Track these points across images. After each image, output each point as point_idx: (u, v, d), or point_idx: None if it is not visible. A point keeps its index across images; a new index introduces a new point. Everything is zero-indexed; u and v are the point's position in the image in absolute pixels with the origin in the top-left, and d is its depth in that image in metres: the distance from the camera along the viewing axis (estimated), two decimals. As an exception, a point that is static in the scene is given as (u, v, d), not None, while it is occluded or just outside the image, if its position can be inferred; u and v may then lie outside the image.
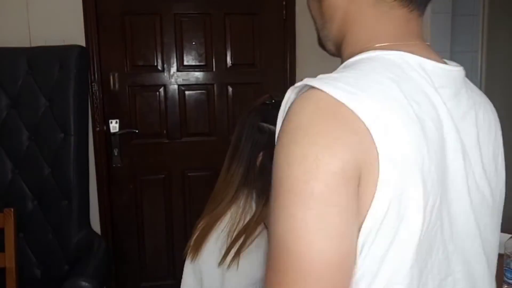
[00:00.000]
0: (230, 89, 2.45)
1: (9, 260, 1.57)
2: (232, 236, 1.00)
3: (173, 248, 2.48)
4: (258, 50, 2.44)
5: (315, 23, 0.70)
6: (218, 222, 1.02)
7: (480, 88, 2.63)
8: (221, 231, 1.01)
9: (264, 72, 2.45)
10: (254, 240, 1.02)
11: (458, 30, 2.41)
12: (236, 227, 1.02)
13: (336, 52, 0.68)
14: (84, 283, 1.52)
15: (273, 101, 1.08)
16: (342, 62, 0.63)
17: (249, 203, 1.05)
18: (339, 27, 0.63)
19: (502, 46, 2.58)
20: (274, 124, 1.03)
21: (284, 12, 2.40)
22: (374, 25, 0.59)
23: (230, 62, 2.43)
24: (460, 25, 2.42)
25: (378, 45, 0.57)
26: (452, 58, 2.16)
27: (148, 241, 2.48)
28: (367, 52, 0.56)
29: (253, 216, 1.03)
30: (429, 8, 1.99)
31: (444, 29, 2.33)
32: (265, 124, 1.06)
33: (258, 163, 1.05)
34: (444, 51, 2.31)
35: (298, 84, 0.53)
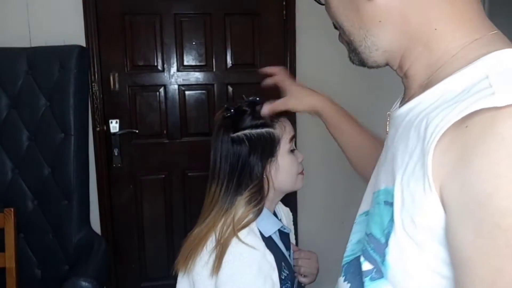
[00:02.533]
0: (230, 89, 2.45)
1: (9, 260, 1.57)
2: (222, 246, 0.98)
3: (173, 248, 2.48)
4: (258, 50, 2.43)
5: (346, 33, 0.61)
6: (210, 233, 1.01)
7: None
8: (211, 242, 0.99)
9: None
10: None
11: None
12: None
13: (387, 63, 0.62)
14: (84, 283, 1.52)
15: (232, 110, 1.06)
16: (402, 72, 0.61)
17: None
18: (400, 30, 0.57)
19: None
20: (243, 128, 1.03)
21: (284, 12, 2.40)
22: (460, 15, 0.54)
23: (230, 62, 2.43)
24: None
25: (476, 39, 0.53)
26: None
27: (148, 241, 2.48)
28: (496, 50, 0.50)
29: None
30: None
31: None
32: (237, 134, 1.04)
33: (247, 169, 1.04)
34: None
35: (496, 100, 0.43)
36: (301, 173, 1.12)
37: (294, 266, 1.15)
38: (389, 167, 0.57)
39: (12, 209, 1.61)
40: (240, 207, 1.02)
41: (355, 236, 0.69)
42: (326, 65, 2.43)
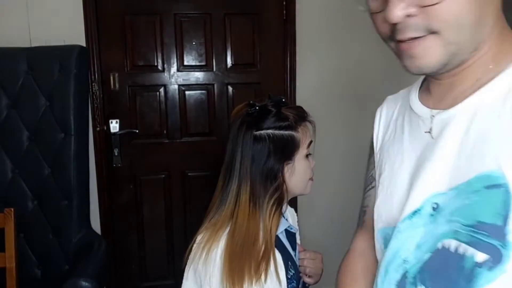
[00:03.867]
0: (230, 89, 2.45)
1: (9, 260, 1.57)
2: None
3: (173, 248, 2.48)
4: (258, 50, 2.44)
5: (458, 33, 0.58)
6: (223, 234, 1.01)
7: None
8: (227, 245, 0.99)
9: (264, 72, 2.45)
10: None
11: None
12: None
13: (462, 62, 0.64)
14: (84, 283, 1.52)
15: (256, 107, 1.05)
16: (457, 69, 0.63)
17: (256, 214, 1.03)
18: (494, 23, 0.62)
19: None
20: (267, 127, 1.02)
21: (284, 12, 2.40)
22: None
23: (230, 62, 2.43)
24: None
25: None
26: None
27: (148, 241, 2.48)
28: None
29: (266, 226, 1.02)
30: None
31: None
32: (261, 132, 1.03)
33: (264, 169, 1.03)
34: None
35: None
36: (311, 179, 1.13)
37: (299, 266, 1.16)
38: (474, 156, 0.60)
39: (12, 209, 1.61)
40: (267, 209, 1.03)
41: (408, 242, 0.66)
42: (325, 66, 2.44)
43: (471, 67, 0.62)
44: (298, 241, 1.22)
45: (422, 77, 0.75)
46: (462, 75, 0.63)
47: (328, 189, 2.47)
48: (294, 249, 1.15)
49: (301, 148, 1.07)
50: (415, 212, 0.66)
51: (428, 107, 0.69)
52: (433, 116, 0.66)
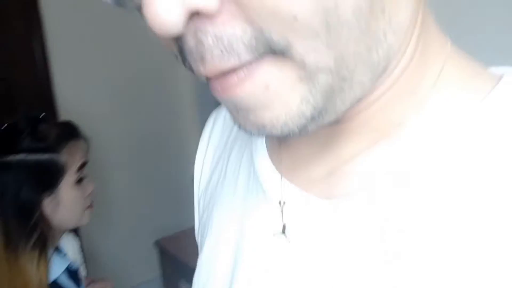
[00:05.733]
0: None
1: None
2: None
3: None
4: None
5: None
6: None
7: None
8: None
9: (10, 66, 1.95)
10: None
11: None
12: None
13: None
14: None
15: (4, 126, 0.87)
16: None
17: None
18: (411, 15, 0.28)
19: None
20: (17, 151, 0.82)
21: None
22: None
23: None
24: None
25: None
26: None
27: None
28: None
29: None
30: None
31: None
32: (8, 158, 0.84)
33: (17, 204, 0.84)
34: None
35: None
36: (90, 206, 0.96)
37: None
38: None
39: None
40: (29, 254, 0.83)
41: None
42: (90, 50, 2.07)
43: (368, 110, 0.31)
44: (83, 273, 1.05)
45: None
46: (352, 124, 0.32)
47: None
48: (80, 285, 0.99)
49: (68, 174, 0.88)
50: None
51: (280, 173, 0.36)
52: (284, 203, 0.35)
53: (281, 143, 0.37)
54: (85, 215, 0.95)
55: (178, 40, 0.25)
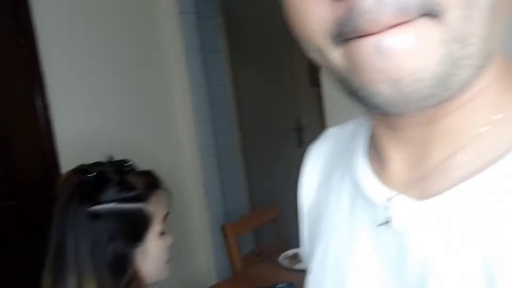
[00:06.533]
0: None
1: None
2: None
3: None
4: None
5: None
6: None
7: (231, 116, 2.92)
8: None
9: None
10: None
11: (209, 65, 2.70)
12: None
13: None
14: None
15: (91, 175, 0.82)
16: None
17: None
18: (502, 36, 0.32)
19: (244, 78, 3.02)
20: (108, 201, 0.79)
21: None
22: None
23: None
24: (209, 61, 2.71)
25: None
26: (209, 91, 2.33)
27: None
28: None
29: None
30: (180, 46, 1.94)
31: (198, 65, 2.57)
32: (98, 207, 0.80)
33: (109, 257, 0.79)
34: (200, 86, 2.58)
35: None
36: (168, 261, 0.91)
37: None
38: None
39: None
40: None
41: None
42: (88, 109, 2.16)
43: (465, 107, 0.33)
44: None
45: (368, 125, 0.45)
46: (448, 123, 0.34)
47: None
48: None
49: (155, 224, 0.85)
50: None
51: (382, 181, 0.40)
52: (390, 198, 0.38)
53: (380, 150, 0.41)
54: (165, 269, 0.90)
55: (350, 2, 0.28)
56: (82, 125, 2.19)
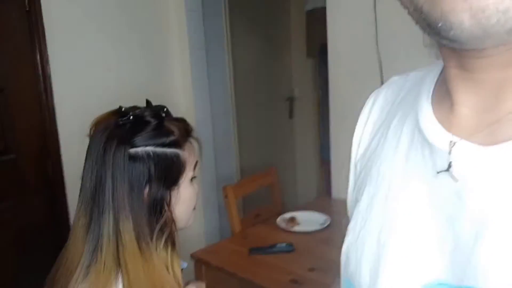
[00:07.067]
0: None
1: None
2: None
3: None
4: None
5: None
6: None
7: (228, 81, 2.86)
8: None
9: (8, 76, 2.02)
10: None
11: (208, 27, 2.64)
12: None
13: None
14: None
15: (130, 117, 0.81)
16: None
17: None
18: None
19: (241, 43, 2.97)
20: (146, 144, 0.80)
21: (26, 2, 2.03)
22: None
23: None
24: (209, 23, 2.64)
25: None
26: (207, 54, 2.26)
27: None
28: None
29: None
30: (183, 6, 1.91)
31: (199, 27, 2.56)
32: (138, 149, 0.79)
33: (145, 198, 0.80)
34: (200, 48, 2.56)
35: None
36: (194, 208, 0.92)
37: None
38: None
39: None
40: (160, 251, 0.79)
41: None
42: (86, 63, 2.17)
43: None
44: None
45: (436, 71, 0.45)
46: None
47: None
48: None
49: (188, 170, 0.86)
50: None
51: (445, 127, 0.39)
52: (454, 143, 0.38)
53: (451, 95, 0.39)
54: (192, 215, 0.91)
55: None
56: (79, 81, 2.17)
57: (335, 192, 2.11)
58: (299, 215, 1.87)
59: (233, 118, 2.92)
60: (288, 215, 1.87)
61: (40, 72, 2.07)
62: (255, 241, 1.69)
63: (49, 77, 2.08)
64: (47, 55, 2.07)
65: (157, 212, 0.81)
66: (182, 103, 2.54)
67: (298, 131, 3.49)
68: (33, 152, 2.12)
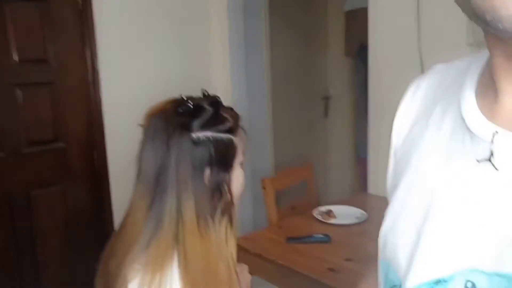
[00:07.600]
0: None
1: None
2: None
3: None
4: (52, 43, 2.10)
5: None
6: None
7: (265, 79, 2.94)
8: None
9: (60, 70, 2.14)
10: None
11: (248, 26, 2.69)
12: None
13: None
14: None
15: (190, 105, 0.88)
16: None
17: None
18: None
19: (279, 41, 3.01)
20: (206, 129, 0.87)
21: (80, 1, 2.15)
22: None
23: (17, 58, 2.03)
24: (249, 22, 2.70)
25: None
26: (246, 53, 2.33)
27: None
28: None
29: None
30: (225, 6, 1.93)
31: (239, 26, 2.62)
32: (199, 134, 0.85)
33: (207, 181, 0.86)
34: (240, 47, 2.61)
35: None
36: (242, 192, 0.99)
37: None
38: None
39: None
40: (220, 230, 0.85)
41: None
42: (132, 58, 2.29)
43: None
44: None
45: (481, 60, 0.45)
46: None
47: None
48: None
49: (239, 154, 0.92)
50: (438, 282, 0.42)
51: (487, 117, 0.41)
52: (497, 133, 0.39)
53: (496, 87, 0.40)
54: (240, 199, 0.95)
55: None
56: (125, 76, 2.28)
57: (372, 188, 2.11)
58: (335, 208, 1.88)
59: (269, 115, 2.96)
60: (324, 208, 1.89)
61: (90, 66, 2.19)
62: (292, 231, 1.72)
63: (97, 71, 2.20)
64: (96, 50, 2.19)
65: (217, 193, 0.87)
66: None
67: (333, 130, 3.51)
68: (80, 142, 2.24)
